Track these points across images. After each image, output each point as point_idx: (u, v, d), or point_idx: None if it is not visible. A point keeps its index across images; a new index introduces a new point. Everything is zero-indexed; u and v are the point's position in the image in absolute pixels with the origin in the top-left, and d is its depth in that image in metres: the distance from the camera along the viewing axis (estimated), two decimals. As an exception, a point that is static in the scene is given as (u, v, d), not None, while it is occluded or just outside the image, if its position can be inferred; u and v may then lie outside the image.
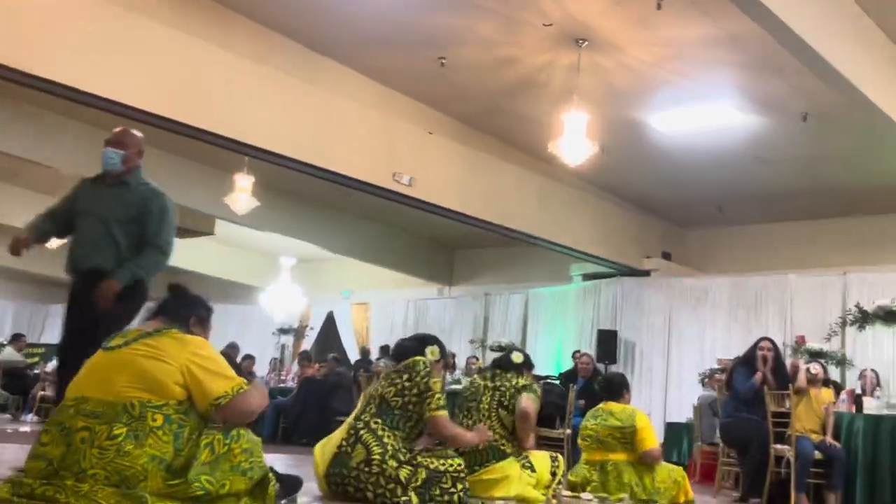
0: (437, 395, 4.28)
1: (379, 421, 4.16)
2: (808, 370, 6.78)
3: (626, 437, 5.70)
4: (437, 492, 4.06)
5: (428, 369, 4.35)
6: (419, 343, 4.56)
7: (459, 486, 4.16)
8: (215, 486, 3.07)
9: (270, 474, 3.35)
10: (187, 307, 3.49)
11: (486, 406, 5.06)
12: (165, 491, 3.00)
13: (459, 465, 4.27)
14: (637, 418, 5.73)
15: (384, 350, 12.50)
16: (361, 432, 4.11)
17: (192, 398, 3.19)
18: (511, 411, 5.04)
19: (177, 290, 3.55)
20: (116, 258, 4.45)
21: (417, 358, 4.39)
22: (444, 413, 4.29)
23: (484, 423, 4.99)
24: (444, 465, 4.16)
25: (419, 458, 4.15)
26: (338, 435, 4.22)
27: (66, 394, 3.21)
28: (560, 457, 5.33)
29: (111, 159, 4.32)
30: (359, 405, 4.35)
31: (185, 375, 3.17)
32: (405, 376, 4.30)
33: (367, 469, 3.98)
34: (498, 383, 5.16)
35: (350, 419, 4.27)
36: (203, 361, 3.22)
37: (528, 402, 5.03)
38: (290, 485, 3.66)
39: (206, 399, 3.18)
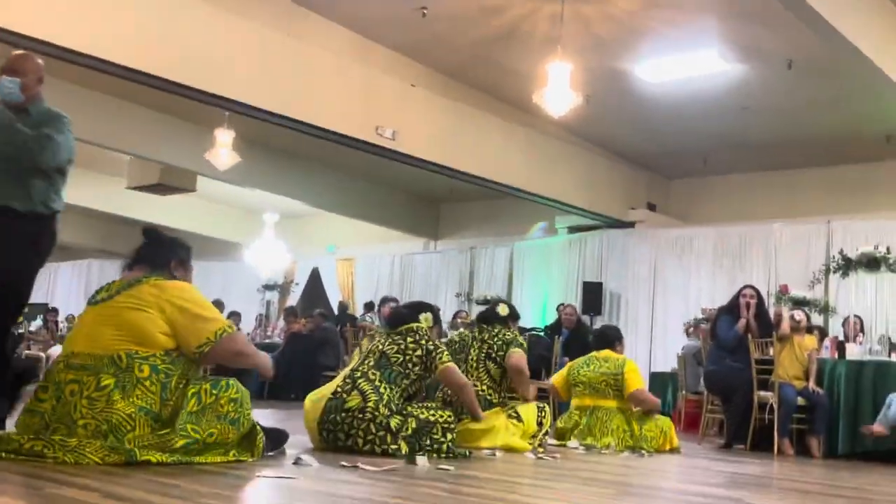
0: (444, 350, 4.51)
1: (377, 373, 4.27)
2: (791, 317, 6.83)
3: (618, 383, 5.89)
4: (427, 441, 4.12)
5: (428, 333, 4.56)
6: (413, 310, 4.72)
7: (449, 437, 4.23)
8: (202, 434, 3.10)
9: (256, 424, 3.38)
10: (166, 251, 3.47)
11: (475, 358, 5.22)
12: (153, 441, 3.02)
13: (449, 416, 4.37)
14: (626, 364, 5.93)
15: (368, 306, 12.50)
16: (359, 381, 4.21)
17: (179, 344, 3.21)
18: (498, 363, 5.20)
19: (152, 235, 3.52)
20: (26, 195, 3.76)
21: (416, 324, 4.55)
22: (453, 364, 4.51)
23: (472, 375, 5.10)
24: (434, 416, 4.23)
25: (409, 408, 4.24)
26: (331, 385, 4.30)
27: (62, 351, 3.26)
28: (547, 407, 5.42)
29: (8, 89, 3.69)
30: (356, 358, 4.43)
31: (169, 323, 3.18)
32: (409, 339, 4.44)
33: (360, 416, 4.05)
34: (486, 336, 5.32)
35: (346, 370, 4.38)
36: (186, 305, 3.22)
37: (519, 358, 5.21)
38: (276, 438, 3.67)
39: (191, 346, 3.21)
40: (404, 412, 4.17)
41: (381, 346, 4.42)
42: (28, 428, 3.10)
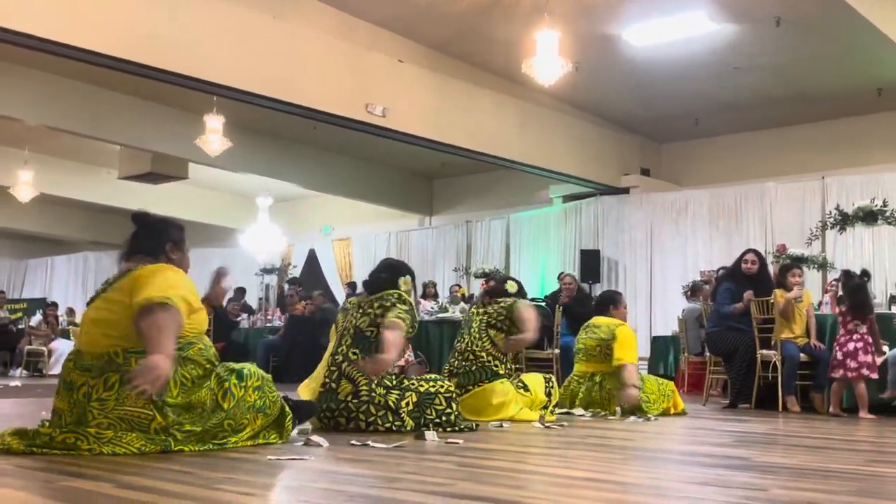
0: (400, 308, 4.23)
1: (357, 351, 4.18)
2: (795, 287, 6.64)
3: (610, 349, 5.79)
4: (432, 413, 4.11)
5: (398, 296, 4.33)
6: (391, 274, 4.49)
7: (454, 406, 4.22)
8: (236, 425, 3.21)
9: (285, 405, 3.42)
10: (159, 235, 3.38)
11: (476, 328, 5.24)
12: (188, 430, 3.07)
13: (451, 386, 4.37)
14: (617, 331, 5.81)
15: (352, 286, 12.46)
16: (343, 365, 4.15)
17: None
18: (499, 328, 5.22)
19: (143, 220, 3.43)
20: None
21: (390, 292, 4.37)
22: (399, 322, 4.12)
23: (476, 346, 5.16)
24: (434, 387, 4.21)
25: (406, 383, 4.21)
26: (320, 372, 4.25)
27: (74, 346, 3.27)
28: (553, 377, 5.45)
29: None
30: (334, 340, 4.35)
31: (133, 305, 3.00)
32: (376, 304, 4.30)
33: (355, 400, 4.03)
34: (490, 309, 5.34)
35: (327, 355, 4.29)
36: (141, 281, 3.05)
37: (526, 308, 5.34)
38: (305, 410, 3.72)
39: (133, 303, 2.97)
40: (401, 387, 4.14)
41: (354, 321, 4.30)
42: (54, 424, 3.12)
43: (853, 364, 5.83)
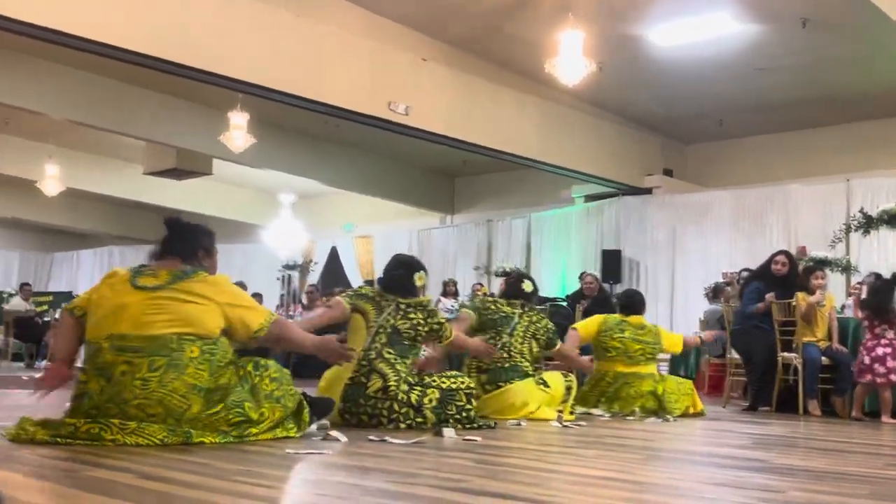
0: (446, 325, 4.59)
1: (391, 351, 4.25)
2: (818, 290, 6.60)
3: (654, 351, 6.00)
4: (453, 410, 4.15)
5: (434, 308, 4.63)
6: (406, 270, 4.61)
7: (473, 403, 4.26)
8: (255, 413, 3.24)
9: (303, 399, 3.47)
10: (193, 241, 3.52)
11: (520, 333, 5.31)
12: (207, 420, 3.14)
13: (471, 383, 4.43)
14: (662, 336, 6.25)
15: (371, 284, 12.47)
16: (375, 362, 4.19)
17: (230, 333, 3.36)
18: (540, 343, 5.41)
19: (175, 226, 3.55)
20: None
21: (423, 298, 4.61)
22: (454, 332, 4.63)
23: (515, 349, 5.27)
24: (455, 383, 4.25)
25: (427, 380, 4.27)
26: (345, 370, 4.21)
27: (96, 333, 3.25)
28: (572, 375, 5.47)
29: None
30: (367, 338, 4.32)
31: (226, 318, 3.33)
32: (421, 315, 4.44)
33: (382, 396, 4.09)
34: (534, 318, 5.45)
35: (359, 351, 4.26)
36: (238, 300, 3.41)
37: (564, 348, 5.75)
38: (322, 407, 3.76)
39: (247, 333, 3.40)
40: (423, 384, 4.20)
41: (392, 322, 4.35)
42: (77, 411, 3.16)
43: (882, 370, 5.77)
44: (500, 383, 5.08)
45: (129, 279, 3.33)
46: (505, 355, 5.19)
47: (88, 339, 3.31)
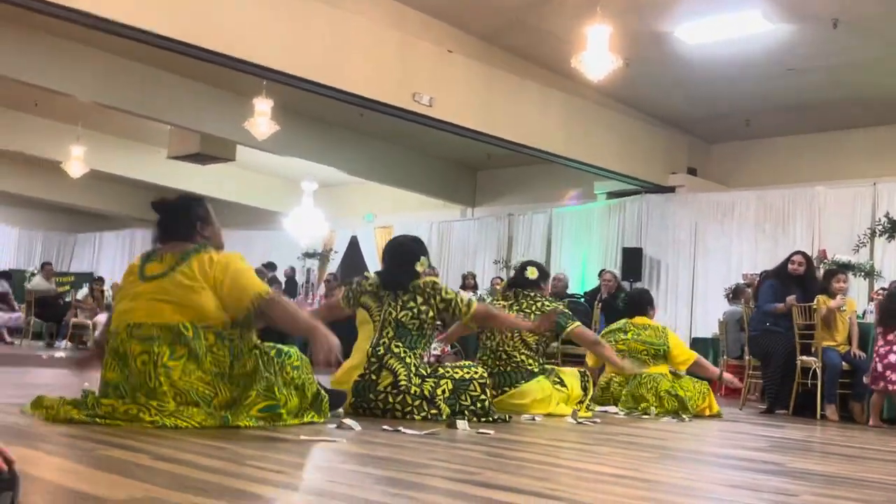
0: (460, 298, 4.38)
1: (400, 344, 4.18)
2: (839, 294, 6.55)
3: (659, 353, 5.88)
4: (467, 400, 4.13)
5: (434, 285, 4.35)
6: (406, 262, 4.40)
7: (488, 392, 4.23)
8: (284, 398, 3.25)
9: (321, 388, 3.48)
10: (186, 217, 3.43)
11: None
12: (241, 405, 3.16)
13: (484, 373, 4.34)
14: (669, 337, 5.95)
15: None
16: (385, 358, 4.13)
17: (226, 309, 3.26)
18: (535, 330, 5.02)
19: (163, 207, 3.48)
20: None
21: (422, 281, 4.33)
22: (476, 305, 4.41)
23: (508, 345, 5.06)
24: (468, 373, 4.23)
25: (440, 371, 4.23)
26: (355, 365, 4.19)
27: (117, 324, 3.28)
28: (588, 373, 5.43)
29: None
30: (374, 334, 4.25)
31: (217, 296, 3.24)
32: (420, 298, 4.27)
33: (393, 391, 4.06)
34: (523, 305, 5.20)
35: (367, 348, 4.21)
36: (228, 277, 3.27)
37: (581, 331, 5.31)
38: (336, 399, 3.78)
39: (245, 299, 3.25)
40: (436, 374, 4.16)
41: (394, 314, 4.24)
42: (110, 395, 3.18)
43: (894, 377, 5.72)
44: (506, 388, 4.92)
45: (137, 270, 3.35)
46: (504, 356, 5.04)
47: (111, 329, 3.33)
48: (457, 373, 4.22)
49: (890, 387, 5.73)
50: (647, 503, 2.17)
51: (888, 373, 5.74)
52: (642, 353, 5.89)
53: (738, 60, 10.05)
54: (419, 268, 4.39)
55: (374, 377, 4.10)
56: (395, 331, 4.21)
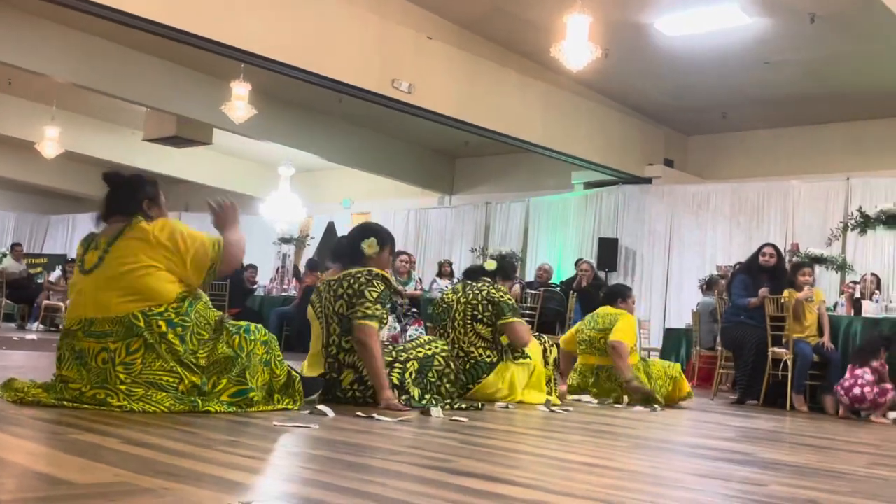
0: (367, 303, 3.89)
1: (349, 339, 3.97)
2: (805, 287, 6.62)
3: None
4: (433, 377, 4.11)
5: (367, 277, 3.97)
6: (355, 241, 4.15)
7: (453, 365, 4.19)
8: (255, 381, 3.26)
9: (292, 371, 3.46)
10: (134, 193, 3.34)
11: (461, 321, 4.89)
12: (211, 391, 3.15)
13: (444, 344, 4.27)
14: (620, 318, 5.78)
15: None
16: (340, 356, 4.00)
17: (188, 282, 3.22)
18: (486, 323, 4.87)
19: (114, 180, 3.40)
20: None
21: (357, 270, 4.03)
22: (367, 323, 3.85)
23: (462, 341, 4.86)
24: (431, 349, 4.19)
25: (404, 355, 4.17)
26: (315, 365, 4.09)
27: (70, 320, 3.21)
28: (546, 338, 5.32)
29: None
30: (321, 331, 4.07)
31: (167, 267, 3.16)
32: (345, 284, 3.99)
33: (361, 386, 3.97)
34: (470, 296, 4.94)
35: (319, 348, 4.07)
36: (175, 241, 3.18)
37: (516, 329, 4.86)
38: (310, 386, 3.73)
39: (202, 271, 3.23)
40: (401, 359, 4.10)
41: (332, 308, 4.00)
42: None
43: (865, 405, 5.79)
44: (469, 385, 4.71)
45: (78, 262, 3.30)
46: (461, 354, 4.79)
47: (65, 326, 3.27)
48: (420, 352, 4.18)
49: (863, 413, 5.81)
50: (617, 491, 2.18)
51: (855, 405, 5.82)
52: (599, 341, 5.83)
53: (716, 53, 10.10)
54: (367, 248, 4.09)
55: (335, 375, 3.99)
56: (340, 325, 3.99)
